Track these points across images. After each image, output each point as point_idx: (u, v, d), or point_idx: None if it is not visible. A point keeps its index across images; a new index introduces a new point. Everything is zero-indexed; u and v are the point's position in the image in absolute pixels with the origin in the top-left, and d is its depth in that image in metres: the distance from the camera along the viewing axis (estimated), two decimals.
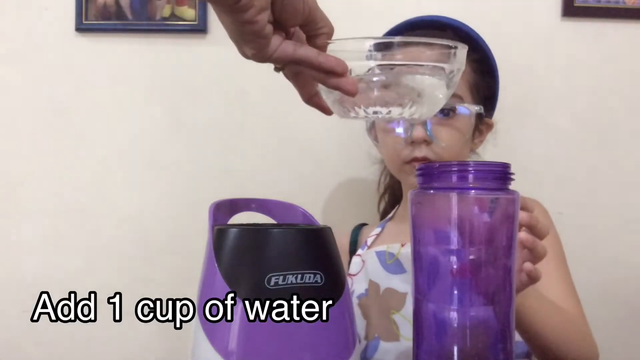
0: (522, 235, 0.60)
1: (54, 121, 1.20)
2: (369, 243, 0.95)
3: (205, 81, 1.18)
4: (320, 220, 0.57)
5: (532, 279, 0.61)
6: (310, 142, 1.17)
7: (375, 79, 0.55)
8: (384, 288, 0.88)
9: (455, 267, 0.49)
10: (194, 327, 0.49)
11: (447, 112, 0.90)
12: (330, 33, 0.54)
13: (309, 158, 1.18)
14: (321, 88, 0.56)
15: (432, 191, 0.51)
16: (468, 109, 0.90)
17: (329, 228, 0.53)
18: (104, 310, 1.23)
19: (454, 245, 0.49)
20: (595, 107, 1.18)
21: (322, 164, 1.18)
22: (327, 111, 0.57)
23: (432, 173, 0.52)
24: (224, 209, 0.56)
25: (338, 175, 1.20)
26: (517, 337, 0.82)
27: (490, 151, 1.04)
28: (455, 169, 0.50)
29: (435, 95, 0.56)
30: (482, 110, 0.91)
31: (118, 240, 1.21)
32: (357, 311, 0.92)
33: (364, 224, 1.05)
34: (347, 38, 0.54)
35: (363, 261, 0.92)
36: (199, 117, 1.20)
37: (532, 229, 0.61)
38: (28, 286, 1.20)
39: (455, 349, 0.49)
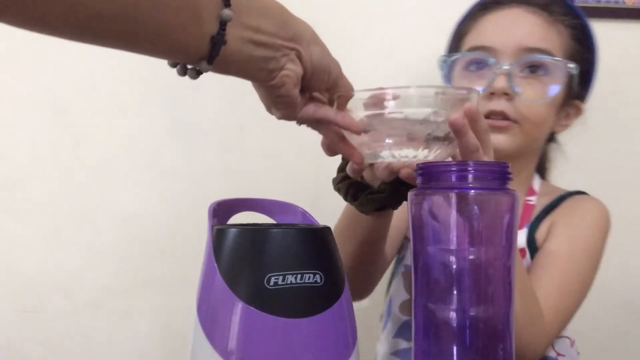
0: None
1: (54, 121, 1.21)
2: None
3: (205, 81, 1.17)
4: (320, 220, 0.57)
5: (470, 113, 0.55)
6: (310, 142, 1.17)
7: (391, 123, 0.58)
8: None
9: (454, 267, 0.49)
10: (194, 327, 0.49)
11: (534, 68, 0.83)
12: (350, 95, 0.59)
13: (309, 158, 1.18)
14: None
15: (431, 191, 0.51)
16: (559, 64, 0.83)
17: (329, 228, 0.53)
18: (104, 310, 1.23)
19: (453, 245, 0.49)
20: (595, 107, 1.18)
21: (322, 164, 1.18)
22: (353, 157, 0.61)
23: (431, 173, 0.52)
24: (223, 209, 0.56)
25: None
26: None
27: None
28: (455, 168, 0.50)
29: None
30: (577, 71, 0.83)
31: (118, 240, 1.21)
32: (400, 282, 0.89)
33: None
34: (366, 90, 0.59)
35: None
36: (199, 117, 1.20)
37: (472, 122, 0.57)
38: (28, 286, 1.20)
39: (455, 349, 0.49)
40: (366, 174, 0.69)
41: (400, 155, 0.59)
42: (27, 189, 1.21)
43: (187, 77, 0.53)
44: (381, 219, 0.75)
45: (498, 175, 0.50)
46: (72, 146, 1.21)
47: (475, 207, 0.49)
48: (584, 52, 0.89)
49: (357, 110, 0.58)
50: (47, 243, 1.21)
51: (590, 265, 0.85)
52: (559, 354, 0.88)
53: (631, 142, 1.21)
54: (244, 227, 0.50)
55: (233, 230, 0.49)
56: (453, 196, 0.49)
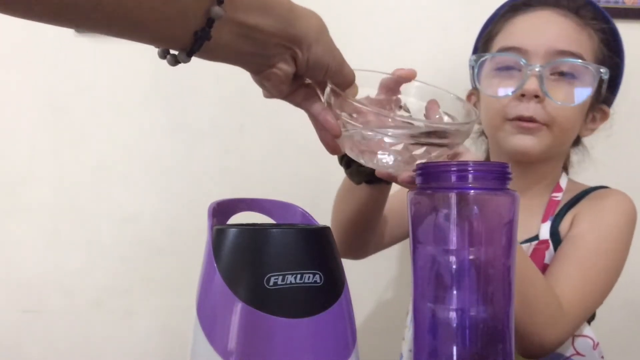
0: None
1: (54, 121, 1.21)
2: None
3: (205, 81, 1.18)
4: (320, 220, 0.57)
5: None
6: (310, 142, 1.17)
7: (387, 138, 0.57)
8: None
9: (454, 267, 0.49)
10: (193, 327, 0.49)
11: (564, 72, 0.82)
12: (352, 83, 0.58)
13: (308, 158, 1.18)
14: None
15: (431, 191, 0.51)
16: (591, 69, 0.82)
17: (329, 228, 0.53)
18: (104, 310, 1.23)
19: (453, 245, 0.49)
20: None
21: (322, 164, 1.18)
22: (329, 148, 0.60)
23: (431, 173, 0.52)
24: (223, 209, 0.56)
25: (338, 175, 1.21)
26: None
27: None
28: (455, 168, 0.50)
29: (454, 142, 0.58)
30: (607, 76, 0.83)
31: (118, 240, 1.21)
32: None
33: None
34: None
35: None
36: (199, 117, 1.20)
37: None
38: (28, 286, 1.20)
39: (455, 349, 0.49)
40: None
41: (376, 161, 0.58)
42: (27, 189, 1.21)
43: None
44: (374, 191, 0.77)
45: (498, 175, 0.50)
46: (72, 146, 1.21)
47: (475, 207, 0.49)
48: (612, 57, 0.88)
49: (350, 103, 0.58)
50: (47, 243, 1.21)
51: (616, 251, 0.83)
52: (578, 353, 0.86)
53: (631, 141, 1.20)
54: (244, 227, 0.50)
55: (233, 230, 0.49)
56: (453, 196, 0.49)
